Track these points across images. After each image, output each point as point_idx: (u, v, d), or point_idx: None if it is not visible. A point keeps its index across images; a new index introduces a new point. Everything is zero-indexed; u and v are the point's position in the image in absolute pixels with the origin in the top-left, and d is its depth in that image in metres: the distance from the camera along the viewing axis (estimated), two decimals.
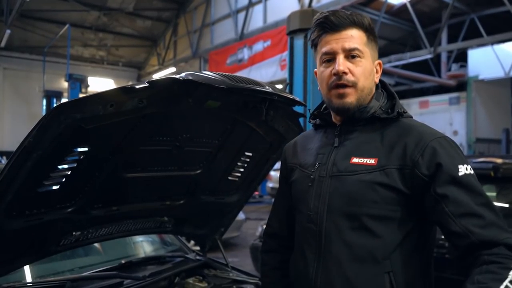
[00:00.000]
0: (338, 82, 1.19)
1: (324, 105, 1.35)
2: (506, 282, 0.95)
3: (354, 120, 1.23)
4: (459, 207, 1.06)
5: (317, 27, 1.23)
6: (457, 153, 1.13)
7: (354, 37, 1.19)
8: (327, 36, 1.21)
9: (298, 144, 1.42)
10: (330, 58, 1.21)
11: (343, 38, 1.19)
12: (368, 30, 1.22)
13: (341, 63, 1.18)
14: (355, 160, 1.18)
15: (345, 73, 1.18)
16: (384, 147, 1.17)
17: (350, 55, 1.19)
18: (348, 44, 1.18)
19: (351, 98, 1.19)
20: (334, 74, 1.18)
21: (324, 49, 1.22)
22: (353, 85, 1.19)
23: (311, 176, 1.26)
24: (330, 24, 1.19)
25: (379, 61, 1.28)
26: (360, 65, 1.19)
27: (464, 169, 1.09)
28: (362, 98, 1.21)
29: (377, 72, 1.27)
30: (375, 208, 1.13)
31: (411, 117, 1.26)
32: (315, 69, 1.31)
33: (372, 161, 1.16)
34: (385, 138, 1.19)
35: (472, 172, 1.11)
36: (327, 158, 1.25)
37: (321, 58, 1.24)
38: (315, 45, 1.26)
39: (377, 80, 1.27)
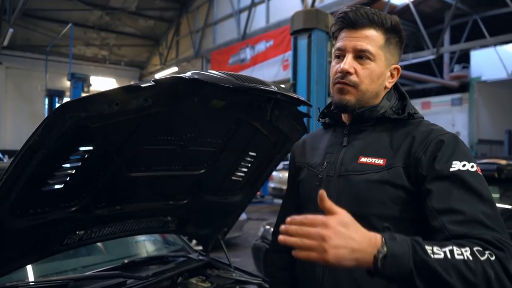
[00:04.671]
0: (341, 80, 1.18)
1: None
2: (449, 248, 0.89)
3: (364, 120, 1.22)
4: (441, 202, 1.02)
5: (337, 21, 1.21)
6: (459, 150, 1.09)
7: (368, 38, 1.16)
8: (344, 32, 1.20)
9: (307, 143, 1.41)
10: (341, 54, 1.20)
11: (357, 37, 1.17)
12: (390, 32, 1.19)
13: (347, 63, 1.16)
14: (363, 159, 1.17)
15: (349, 73, 1.16)
16: (393, 148, 1.16)
17: (360, 55, 1.17)
18: (360, 45, 1.16)
19: (349, 96, 1.18)
20: (339, 72, 1.18)
21: (337, 45, 1.21)
22: (355, 85, 1.17)
23: (319, 176, 1.25)
24: (348, 20, 1.18)
25: (397, 66, 1.24)
26: (368, 67, 1.17)
27: (459, 165, 1.05)
28: (363, 100, 1.19)
29: (392, 76, 1.23)
30: (383, 208, 1.12)
31: (423, 118, 1.23)
32: None
33: (380, 161, 1.14)
34: (394, 139, 1.17)
35: (473, 170, 1.05)
36: (335, 158, 1.24)
37: (334, 53, 1.23)
38: (335, 38, 1.25)
39: (389, 85, 1.23)
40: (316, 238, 0.85)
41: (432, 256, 0.86)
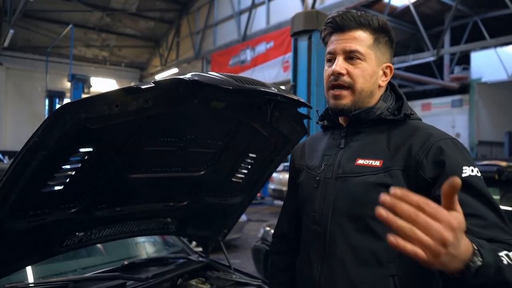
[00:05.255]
0: (335, 83, 1.20)
1: None
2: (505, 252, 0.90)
3: (361, 122, 1.23)
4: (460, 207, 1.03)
5: (326, 26, 1.24)
6: (462, 155, 1.10)
7: (357, 39, 1.19)
8: (333, 36, 1.22)
9: (307, 145, 1.42)
10: (331, 58, 1.22)
11: (346, 39, 1.19)
12: (378, 32, 1.21)
13: (339, 64, 1.19)
14: (360, 161, 1.18)
15: (341, 74, 1.18)
16: (390, 149, 1.16)
17: (350, 56, 1.19)
18: (349, 46, 1.18)
19: (345, 100, 1.20)
20: (332, 74, 1.20)
21: (328, 49, 1.24)
22: (350, 86, 1.19)
23: (317, 178, 1.26)
24: (336, 25, 1.21)
25: (389, 64, 1.25)
26: (359, 67, 1.19)
27: (469, 171, 1.06)
28: (360, 101, 1.20)
29: (385, 75, 1.25)
30: None
31: (420, 119, 1.24)
32: None
33: (377, 163, 1.15)
34: (391, 140, 1.17)
35: (478, 174, 1.07)
36: (333, 160, 1.24)
37: (326, 57, 1.25)
38: (325, 43, 1.27)
39: (382, 84, 1.24)
40: (435, 237, 0.71)
41: (502, 263, 0.87)
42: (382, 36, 1.22)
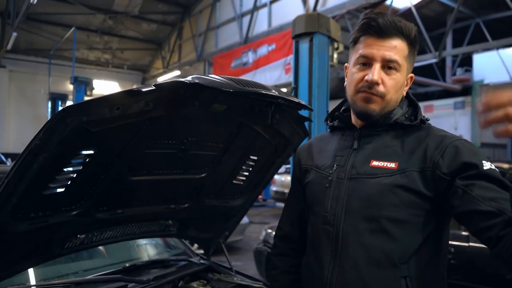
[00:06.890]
0: (368, 90, 1.18)
1: (344, 107, 1.35)
2: None
3: (377, 125, 1.23)
4: (487, 192, 1.03)
5: (362, 26, 1.19)
6: (479, 151, 1.13)
7: (397, 48, 1.16)
8: (370, 39, 1.18)
9: (313, 146, 1.42)
10: (367, 62, 1.18)
11: (386, 46, 1.16)
12: (412, 42, 1.20)
13: (376, 73, 1.16)
14: (375, 163, 1.18)
15: (377, 83, 1.16)
16: (404, 152, 1.17)
17: (387, 66, 1.17)
18: (390, 55, 1.16)
19: (375, 105, 1.19)
20: (367, 81, 1.17)
21: (363, 52, 1.18)
22: (381, 96, 1.18)
23: (329, 178, 1.25)
24: (376, 28, 1.16)
25: (412, 74, 1.25)
26: (394, 78, 1.17)
27: (488, 165, 1.08)
28: (386, 109, 1.20)
29: (407, 84, 1.25)
30: (395, 211, 1.12)
31: (430, 124, 1.25)
32: (346, 64, 1.29)
33: (392, 165, 1.15)
34: (406, 144, 1.18)
35: (494, 167, 1.09)
36: (345, 160, 1.24)
37: (357, 59, 1.20)
38: (354, 42, 1.23)
39: (404, 93, 1.25)
40: None
41: None
42: (414, 47, 1.21)
